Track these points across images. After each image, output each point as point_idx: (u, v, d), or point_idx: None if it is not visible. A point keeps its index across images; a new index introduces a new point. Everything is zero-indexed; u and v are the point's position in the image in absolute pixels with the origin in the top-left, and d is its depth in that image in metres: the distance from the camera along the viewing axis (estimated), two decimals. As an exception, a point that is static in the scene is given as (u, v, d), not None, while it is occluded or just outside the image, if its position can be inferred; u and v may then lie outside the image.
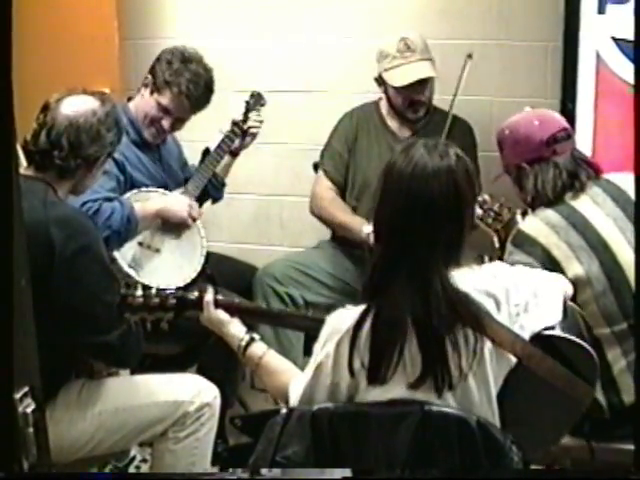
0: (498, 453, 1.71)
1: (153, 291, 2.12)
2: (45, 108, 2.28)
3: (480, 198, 2.66)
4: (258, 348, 2.04)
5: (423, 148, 1.77)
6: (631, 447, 2.21)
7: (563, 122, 2.52)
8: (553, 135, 2.43)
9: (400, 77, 3.20)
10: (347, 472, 1.79)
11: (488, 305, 1.76)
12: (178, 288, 2.26)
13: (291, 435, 1.77)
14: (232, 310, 2.12)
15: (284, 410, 1.81)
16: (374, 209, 1.82)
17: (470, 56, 3.19)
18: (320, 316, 2.01)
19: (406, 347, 1.72)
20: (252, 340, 2.05)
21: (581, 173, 2.41)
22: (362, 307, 1.77)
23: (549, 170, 2.41)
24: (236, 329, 2.08)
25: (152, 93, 3.03)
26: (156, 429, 2.39)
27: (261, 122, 3.25)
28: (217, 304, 2.10)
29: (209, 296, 2.10)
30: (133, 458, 2.98)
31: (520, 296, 1.80)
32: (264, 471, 1.78)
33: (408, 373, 1.73)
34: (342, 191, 3.40)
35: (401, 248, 1.75)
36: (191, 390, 2.42)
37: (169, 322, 2.15)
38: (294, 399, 1.84)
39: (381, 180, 1.81)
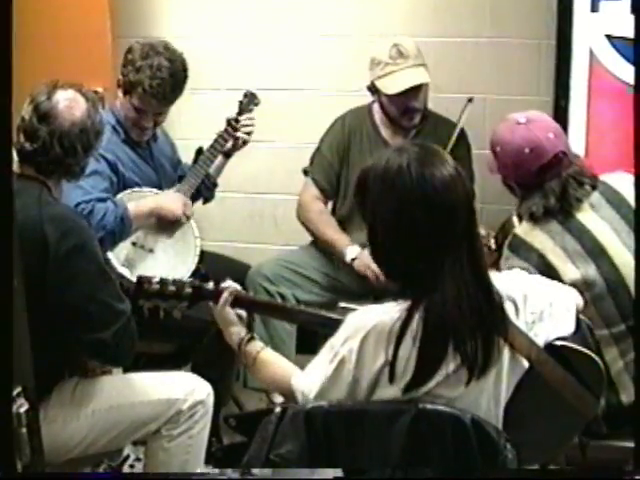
0: (493, 451, 1.70)
1: (170, 279, 2.16)
2: (46, 116, 2.22)
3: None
4: (257, 345, 2.08)
5: (414, 153, 1.73)
6: (625, 444, 2.23)
7: (557, 146, 2.35)
8: (542, 166, 2.33)
9: (393, 84, 3.11)
10: (339, 472, 1.79)
11: (509, 309, 1.77)
12: None
13: (285, 434, 1.77)
14: (248, 304, 2.17)
15: (278, 409, 1.80)
16: (384, 227, 1.75)
17: (471, 100, 3.15)
18: (332, 315, 2.03)
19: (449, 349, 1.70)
20: (252, 339, 2.10)
21: (571, 194, 2.33)
22: (390, 305, 1.74)
23: (534, 197, 2.35)
24: (239, 329, 2.12)
25: (125, 95, 2.98)
26: (150, 427, 2.38)
27: (253, 125, 3.20)
28: (236, 298, 2.13)
29: (227, 295, 2.13)
30: (127, 457, 2.97)
31: (537, 304, 1.82)
32: (255, 471, 1.78)
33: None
34: (331, 200, 3.38)
35: (441, 256, 1.70)
36: (184, 388, 2.41)
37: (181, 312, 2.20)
38: (308, 392, 1.81)
39: (388, 191, 1.73)
